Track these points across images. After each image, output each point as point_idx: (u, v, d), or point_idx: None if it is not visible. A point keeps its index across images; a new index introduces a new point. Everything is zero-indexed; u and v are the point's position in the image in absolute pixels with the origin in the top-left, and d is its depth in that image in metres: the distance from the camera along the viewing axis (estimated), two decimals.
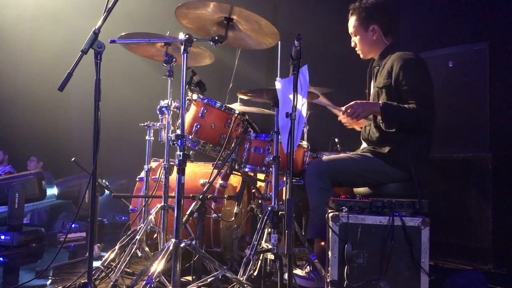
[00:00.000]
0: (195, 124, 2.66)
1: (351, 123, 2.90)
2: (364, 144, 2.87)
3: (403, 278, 2.02)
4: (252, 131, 2.70)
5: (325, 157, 2.69)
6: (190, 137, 2.64)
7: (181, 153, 2.13)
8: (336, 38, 4.45)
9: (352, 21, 2.82)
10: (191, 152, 2.80)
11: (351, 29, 2.83)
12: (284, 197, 2.50)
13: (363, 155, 2.68)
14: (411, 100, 2.53)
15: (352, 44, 2.86)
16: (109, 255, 2.72)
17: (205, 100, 2.69)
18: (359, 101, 2.62)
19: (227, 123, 2.71)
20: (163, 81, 2.82)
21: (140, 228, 2.80)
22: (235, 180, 3.26)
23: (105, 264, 2.65)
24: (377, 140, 2.64)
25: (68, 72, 1.84)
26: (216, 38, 2.32)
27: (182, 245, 2.12)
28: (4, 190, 3.88)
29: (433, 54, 3.58)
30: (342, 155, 2.78)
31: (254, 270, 2.52)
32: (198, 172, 3.22)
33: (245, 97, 2.68)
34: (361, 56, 2.86)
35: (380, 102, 2.58)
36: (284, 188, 2.64)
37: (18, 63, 6.50)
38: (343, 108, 2.61)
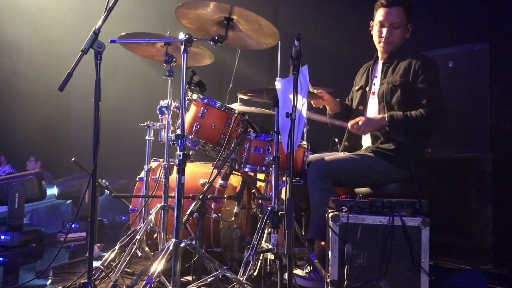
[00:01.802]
0: (195, 124, 2.66)
1: (318, 103, 2.97)
2: (365, 144, 2.85)
3: (403, 278, 2.02)
4: (252, 131, 2.70)
5: (327, 157, 2.68)
6: (190, 137, 2.64)
7: (181, 153, 2.13)
8: (336, 38, 4.47)
9: (398, 12, 2.68)
10: (191, 152, 2.80)
11: (394, 19, 2.69)
12: (284, 197, 2.50)
13: (365, 155, 2.67)
14: (423, 101, 2.58)
15: (384, 35, 2.72)
16: (109, 255, 2.72)
17: (205, 100, 2.69)
18: (364, 118, 2.67)
19: (227, 123, 2.71)
20: (163, 81, 2.82)
21: (140, 228, 2.80)
22: (235, 180, 3.26)
23: (105, 264, 2.65)
24: (386, 136, 2.63)
25: (68, 72, 1.84)
26: (216, 38, 2.32)
27: (182, 245, 2.12)
28: (4, 190, 3.88)
29: (433, 54, 3.57)
30: (343, 155, 2.77)
31: (254, 270, 2.52)
32: (198, 172, 3.22)
33: (245, 97, 2.68)
34: (386, 50, 2.77)
35: (386, 116, 2.60)
36: (284, 188, 2.64)
37: (18, 63, 6.50)
38: (349, 124, 2.66)
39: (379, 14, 2.73)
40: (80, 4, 5.74)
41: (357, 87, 2.98)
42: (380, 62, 2.84)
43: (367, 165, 2.62)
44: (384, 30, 2.72)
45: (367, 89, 2.88)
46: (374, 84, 2.85)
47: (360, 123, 2.61)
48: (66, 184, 4.76)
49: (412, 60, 2.67)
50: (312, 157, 2.72)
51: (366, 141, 2.84)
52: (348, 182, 2.69)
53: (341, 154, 2.80)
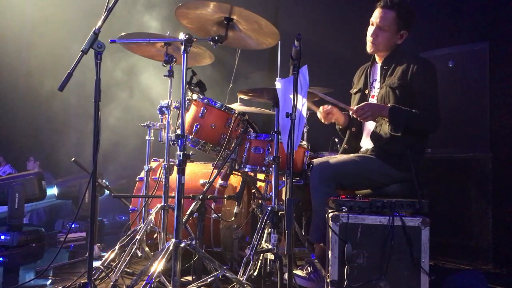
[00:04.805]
0: (195, 124, 2.66)
1: (328, 120, 2.89)
2: (365, 146, 2.84)
3: (403, 278, 2.02)
4: (252, 131, 2.70)
5: (330, 160, 2.66)
6: (190, 137, 2.64)
7: (181, 153, 2.13)
8: (336, 38, 4.47)
9: (388, 15, 2.66)
10: (191, 152, 2.80)
11: (382, 21, 2.66)
12: (284, 197, 2.50)
13: (367, 157, 2.66)
14: (421, 103, 2.58)
15: (370, 34, 2.71)
16: (109, 255, 2.72)
17: (205, 100, 2.69)
18: (369, 103, 2.65)
19: (227, 123, 2.71)
20: (163, 81, 2.82)
21: (140, 228, 2.80)
22: (235, 180, 3.26)
23: (105, 264, 2.65)
24: (387, 139, 2.61)
25: (68, 72, 1.84)
26: (216, 38, 2.32)
27: (182, 245, 2.12)
28: (4, 190, 3.88)
29: (433, 54, 3.58)
30: (345, 156, 2.74)
31: (254, 270, 2.52)
32: (198, 172, 3.22)
33: (245, 97, 2.69)
34: (371, 49, 2.75)
35: (388, 105, 2.59)
36: (284, 188, 2.64)
37: (18, 63, 6.50)
38: (353, 108, 2.61)
39: (374, 14, 2.74)
40: (80, 4, 5.73)
41: (355, 90, 2.97)
42: (378, 65, 2.83)
43: (368, 167, 2.61)
44: (371, 29, 2.72)
45: (366, 91, 2.87)
46: (374, 87, 2.84)
47: (365, 108, 2.57)
48: (66, 184, 4.77)
49: (410, 62, 2.66)
50: (316, 161, 2.70)
51: (366, 143, 2.83)
52: (350, 184, 2.67)
53: (344, 156, 2.77)
